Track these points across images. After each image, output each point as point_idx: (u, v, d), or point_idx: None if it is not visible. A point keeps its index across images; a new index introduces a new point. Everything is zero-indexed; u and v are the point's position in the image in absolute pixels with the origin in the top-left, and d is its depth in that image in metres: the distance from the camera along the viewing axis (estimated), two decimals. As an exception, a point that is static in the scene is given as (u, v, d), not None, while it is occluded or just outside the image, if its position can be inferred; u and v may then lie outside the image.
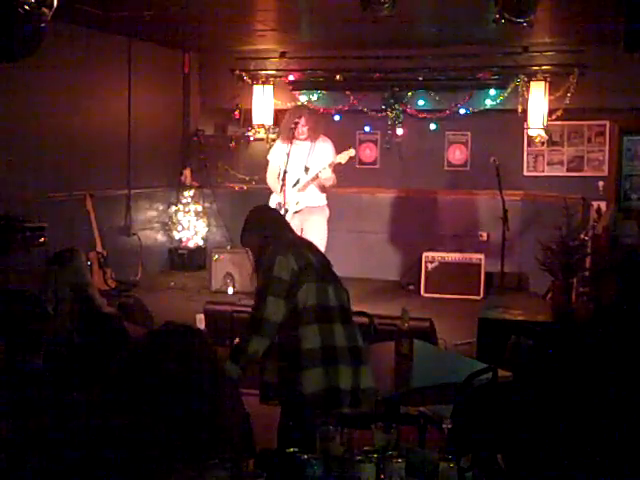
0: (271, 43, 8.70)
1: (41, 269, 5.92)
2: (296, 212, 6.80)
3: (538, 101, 8.16)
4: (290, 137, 6.63)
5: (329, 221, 6.95)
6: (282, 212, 6.66)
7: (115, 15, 6.96)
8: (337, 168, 6.76)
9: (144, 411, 1.70)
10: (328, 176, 6.67)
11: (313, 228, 6.84)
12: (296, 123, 6.64)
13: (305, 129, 6.70)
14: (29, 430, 2.30)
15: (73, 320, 3.87)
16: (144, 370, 1.75)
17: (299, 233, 6.85)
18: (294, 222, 6.82)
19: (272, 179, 6.87)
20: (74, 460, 1.76)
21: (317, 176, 6.68)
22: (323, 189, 6.85)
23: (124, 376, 1.76)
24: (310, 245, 3.61)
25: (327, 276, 3.44)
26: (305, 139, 6.75)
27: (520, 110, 8.27)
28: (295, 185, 6.77)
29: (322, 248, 6.85)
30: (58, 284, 4.02)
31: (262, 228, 3.57)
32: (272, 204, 6.91)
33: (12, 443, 2.28)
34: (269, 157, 7.05)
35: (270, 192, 7.00)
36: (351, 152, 6.81)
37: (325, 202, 6.92)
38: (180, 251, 9.50)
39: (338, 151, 6.79)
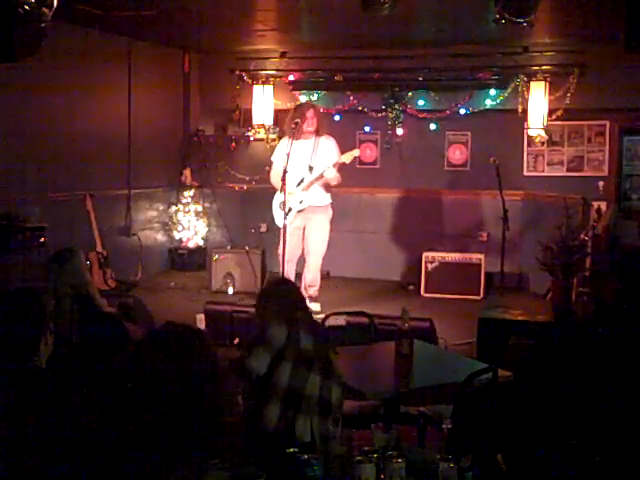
0: (271, 43, 8.70)
1: (41, 269, 5.94)
2: (299, 211, 6.80)
3: (538, 101, 8.16)
4: (293, 134, 6.63)
5: (330, 221, 6.95)
6: (285, 211, 6.68)
7: (115, 15, 6.95)
8: (340, 167, 6.78)
9: (143, 411, 1.70)
10: (333, 176, 6.69)
11: (315, 228, 6.84)
12: (296, 123, 6.65)
13: (314, 121, 6.74)
14: (29, 430, 2.30)
15: (73, 320, 3.87)
16: (144, 370, 1.75)
17: (301, 232, 6.88)
18: (297, 221, 6.84)
19: (276, 178, 6.87)
20: (73, 460, 1.76)
21: (322, 175, 6.70)
22: (327, 188, 6.86)
23: (124, 376, 1.76)
24: (315, 329, 3.42)
25: (316, 365, 3.21)
26: (312, 132, 6.77)
27: (520, 110, 8.27)
28: (299, 184, 6.78)
29: (323, 248, 6.87)
30: (58, 283, 4.02)
31: (275, 303, 3.48)
32: (276, 203, 6.92)
33: (12, 443, 2.28)
34: (274, 156, 7.05)
35: (272, 192, 7.00)
36: (355, 152, 6.86)
37: (329, 202, 6.93)
38: (180, 251, 9.49)
39: (341, 151, 6.81)
